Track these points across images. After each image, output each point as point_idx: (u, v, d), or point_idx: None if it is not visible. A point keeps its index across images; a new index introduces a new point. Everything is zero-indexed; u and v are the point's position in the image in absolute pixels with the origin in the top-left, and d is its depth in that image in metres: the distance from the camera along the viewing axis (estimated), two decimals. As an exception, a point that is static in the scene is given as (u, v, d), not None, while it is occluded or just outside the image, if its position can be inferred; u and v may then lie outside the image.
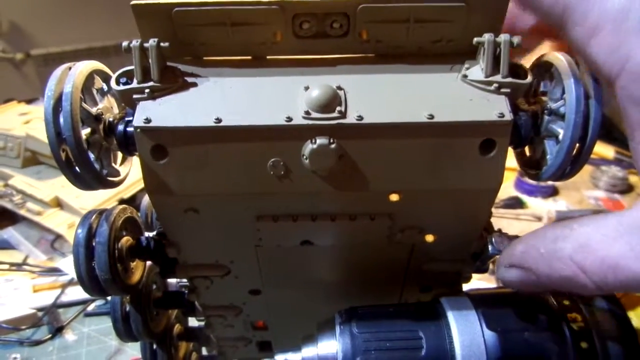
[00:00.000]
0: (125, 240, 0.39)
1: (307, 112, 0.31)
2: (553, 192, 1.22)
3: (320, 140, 0.31)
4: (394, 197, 0.34)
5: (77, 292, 1.00)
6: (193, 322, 0.55)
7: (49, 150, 1.10)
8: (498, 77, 0.31)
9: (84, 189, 0.36)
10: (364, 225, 0.36)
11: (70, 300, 0.99)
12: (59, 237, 1.14)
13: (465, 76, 0.32)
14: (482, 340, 0.37)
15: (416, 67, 0.33)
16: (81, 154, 0.32)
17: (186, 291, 0.46)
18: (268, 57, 0.35)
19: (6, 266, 1.07)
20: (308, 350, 0.41)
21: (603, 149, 1.35)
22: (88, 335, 0.93)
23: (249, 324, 0.51)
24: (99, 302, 1.00)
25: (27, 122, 1.20)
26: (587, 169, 1.30)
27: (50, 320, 0.95)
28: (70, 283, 1.02)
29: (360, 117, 0.30)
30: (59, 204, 1.13)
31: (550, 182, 1.33)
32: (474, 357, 0.37)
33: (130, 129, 0.33)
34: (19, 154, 1.15)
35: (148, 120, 0.32)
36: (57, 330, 0.93)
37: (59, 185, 1.15)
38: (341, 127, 0.30)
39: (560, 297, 0.39)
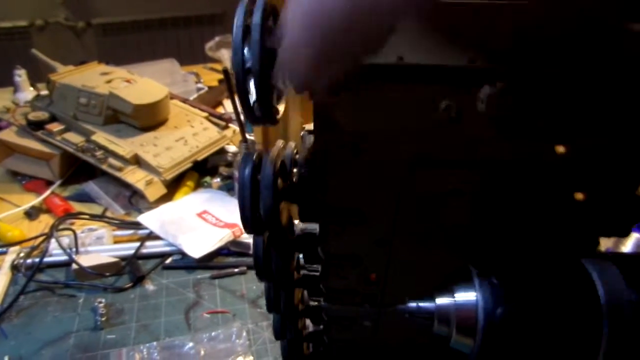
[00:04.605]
0: (279, 183, 0.40)
1: None
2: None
3: (501, 84, 0.31)
4: (560, 149, 0.34)
5: (155, 246, 1.04)
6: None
7: (131, 109, 1.14)
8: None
9: (253, 122, 0.37)
10: (523, 176, 0.36)
11: (149, 252, 1.03)
12: (134, 193, 1.18)
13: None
14: (627, 298, 0.37)
15: None
16: (264, 86, 0.34)
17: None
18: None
19: (87, 217, 1.12)
20: (443, 299, 0.42)
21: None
22: (167, 286, 0.97)
23: (363, 277, 0.52)
24: (176, 256, 1.03)
25: (109, 81, 1.23)
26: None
27: (131, 270, 0.99)
28: (149, 237, 1.05)
29: None
30: (137, 161, 1.17)
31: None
32: (621, 315, 0.37)
33: None
34: (101, 111, 1.19)
35: None
36: (138, 280, 0.97)
37: (138, 144, 1.18)
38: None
39: None
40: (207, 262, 1.02)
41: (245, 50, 0.34)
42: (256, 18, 0.33)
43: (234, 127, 1.36)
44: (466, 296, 0.40)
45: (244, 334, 0.85)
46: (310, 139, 0.45)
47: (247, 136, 1.32)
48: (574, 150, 0.35)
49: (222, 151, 1.32)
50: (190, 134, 1.26)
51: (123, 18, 3.27)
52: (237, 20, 0.33)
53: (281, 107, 0.40)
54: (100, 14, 3.21)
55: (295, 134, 1.06)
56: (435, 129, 0.34)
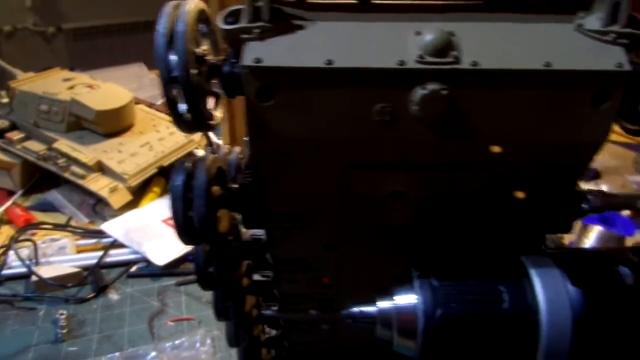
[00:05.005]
0: (216, 190, 0.40)
1: (420, 57, 0.31)
2: (595, 176, 1.20)
3: (432, 86, 0.31)
4: (496, 149, 0.34)
5: (120, 254, 1.03)
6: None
7: (93, 115, 1.12)
8: (616, 28, 0.31)
9: (185, 130, 0.37)
10: (460, 177, 0.36)
11: (113, 261, 1.01)
12: (99, 200, 1.16)
13: (580, 25, 0.32)
14: (566, 295, 0.38)
15: (527, 16, 0.33)
16: (191, 93, 0.33)
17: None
18: (373, 1, 0.35)
19: (50, 227, 1.09)
20: (384, 303, 0.42)
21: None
22: (131, 295, 0.96)
23: (315, 281, 0.52)
24: (141, 264, 1.02)
25: (72, 87, 1.21)
26: (629, 154, 1.29)
27: (94, 280, 0.97)
28: (113, 245, 1.04)
29: (475, 63, 0.31)
30: (101, 168, 1.15)
31: (593, 165, 1.29)
32: (559, 312, 0.37)
33: (237, 69, 0.34)
34: (63, 118, 1.17)
35: (258, 60, 0.32)
36: (101, 290, 0.95)
37: (102, 150, 1.16)
38: (456, 71, 0.31)
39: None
40: (173, 268, 1.00)
41: (173, 58, 0.33)
42: (180, 25, 0.32)
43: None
44: (407, 299, 0.40)
45: (209, 341, 0.84)
46: None
47: (215, 140, 1.31)
48: (510, 150, 0.35)
49: (189, 155, 1.30)
50: (156, 139, 1.24)
51: (94, 22, 3.20)
52: (160, 28, 0.32)
53: (218, 112, 0.40)
54: (70, 19, 3.15)
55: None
56: (370, 132, 0.34)
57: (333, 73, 0.32)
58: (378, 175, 0.37)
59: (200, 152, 1.33)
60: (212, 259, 0.43)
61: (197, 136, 1.33)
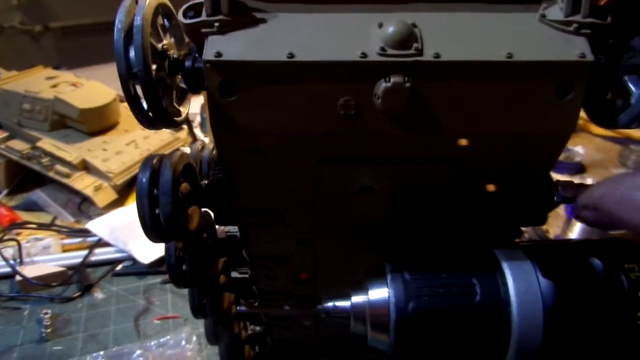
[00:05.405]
0: (185, 187, 0.39)
1: (382, 49, 0.30)
2: (580, 170, 1.21)
3: (395, 79, 0.31)
4: (463, 142, 0.34)
5: (105, 253, 1.02)
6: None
7: (77, 114, 1.11)
8: (578, 17, 0.30)
9: (149, 127, 0.36)
10: (428, 171, 0.36)
11: (98, 260, 1.01)
12: (85, 199, 1.15)
13: (543, 16, 0.31)
14: (537, 287, 0.37)
15: (491, 6, 0.32)
16: (151, 89, 0.32)
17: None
18: None
19: (34, 226, 1.08)
20: (357, 297, 0.41)
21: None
22: (117, 294, 0.95)
23: (293, 277, 0.52)
24: (127, 262, 1.01)
25: (55, 85, 1.20)
26: (615, 147, 1.29)
27: (79, 279, 0.96)
28: (98, 244, 1.03)
29: (438, 55, 0.30)
30: (86, 167, 1.14)
31: (578, 159, 1.29)
32: (530, 304, 0.37)
33: (199, 64, 0.33)
34: (46, 117, 1.16)
35: (219, 54, 0.31)
36: (86, 288, 0.95)
37: (86, 149, 1.16)
38: (418, 64, 0.30)
39: (617, 247, 0.39)
40: (159, 267, 1.00)
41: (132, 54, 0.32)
42: (138, 19, 0.32)
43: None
44: (379, 293, 0.39)
45: (194, 338, 0.84)
46: None
47: (203, 137, 1.30)
48: (477, 142, 0.34)
49: (176, 153, 1.30)
50: (142, 137, 1.24)
51: (82, 21, 3.17)
52: (117, 22, 0.31)
53: (184, 109, 0.39)
54: (58, 17, 3.12)
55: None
56: (335, 126, 0.33)
57: (295, 67, 0.31)
58: (347, 171, 0.37)
59: (187, 150, 1.32)
60: (184, 256, 0.42)
61: (184, 134, 1.33)
